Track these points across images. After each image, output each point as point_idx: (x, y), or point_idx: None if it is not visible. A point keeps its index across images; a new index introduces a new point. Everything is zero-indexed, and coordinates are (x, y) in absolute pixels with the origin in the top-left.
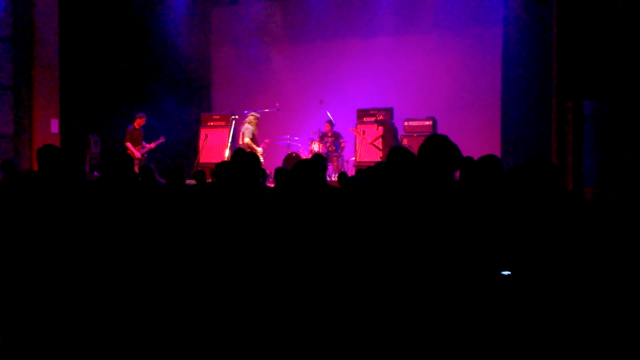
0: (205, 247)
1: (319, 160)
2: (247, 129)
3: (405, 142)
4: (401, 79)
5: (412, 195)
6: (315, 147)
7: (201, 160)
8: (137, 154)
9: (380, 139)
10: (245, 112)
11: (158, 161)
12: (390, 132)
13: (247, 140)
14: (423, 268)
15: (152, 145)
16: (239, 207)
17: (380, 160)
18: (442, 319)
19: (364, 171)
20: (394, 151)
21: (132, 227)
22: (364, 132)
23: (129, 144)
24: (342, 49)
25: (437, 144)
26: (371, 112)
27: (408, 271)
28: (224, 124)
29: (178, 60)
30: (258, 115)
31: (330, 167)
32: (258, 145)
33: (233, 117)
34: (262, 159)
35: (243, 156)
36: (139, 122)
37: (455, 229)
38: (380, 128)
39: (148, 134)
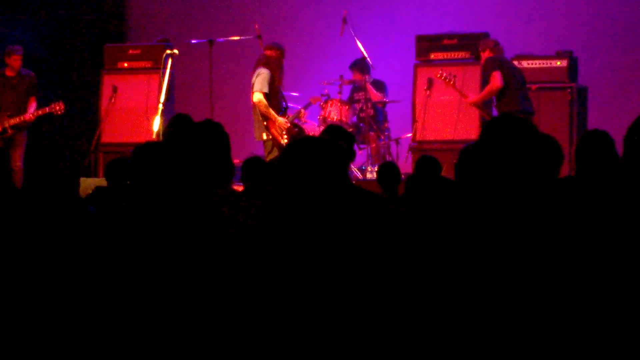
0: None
1: (337, 140)
2: (259, 75)
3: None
4: None
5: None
6: (334, 112)
7: (104, 140)
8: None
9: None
10: (220, 39)
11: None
12: (510, 78)
13: (256, 97)
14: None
15: (41, 111)
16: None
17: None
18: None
19: (432, 162)
20: (525, 126)
21: None
22: (453, 77)
23: None
24: None
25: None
26: (446, 40)
27: None
28: (149, 64)
29: None
30: (281, 48)
31: (363, 153)
32: (280, 110)
33: (169, 51)
34: (284, 140)
35: (193, 131)
36: (12, 63)
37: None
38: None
39: None
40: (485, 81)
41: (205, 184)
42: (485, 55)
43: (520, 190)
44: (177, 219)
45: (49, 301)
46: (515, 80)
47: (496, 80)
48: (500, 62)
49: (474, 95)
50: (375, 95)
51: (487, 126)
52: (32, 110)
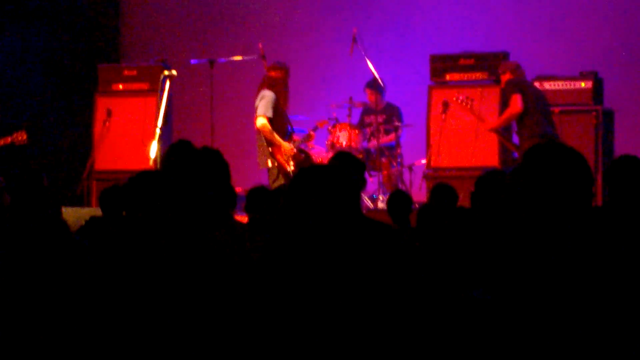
0: None
1: (348, 168)
2: (263, 97)
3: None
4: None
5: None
6: (343, 137)
7: (97, 166)
8: None
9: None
10: (221, 59)
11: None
12: (531, 102)
13: (260, 122)
14: None
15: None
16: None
17: (505, 161)
18: None
19: (448, 190)
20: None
21: None
22: (470, 101)
23: None
24: None
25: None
26: (463, 60)
27: None
28: (145, 86)
29: None
30: (285, 67)
31: (374, 181)
32: (286, 135)
33: (166, 72)
34: (290, 167)
35: (194, 159)
36: None
37: None
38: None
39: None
40: (505, 105)
41: (205, 214)
42: (506, 78)
43: (564, 221)
44: (177, 252)
45: (41, 339)
46: (536, 103)
47: (516, 104)
48: (520, 85)
49: (493, 120)
50: (386, 139)
51: (531, 153)
52: None
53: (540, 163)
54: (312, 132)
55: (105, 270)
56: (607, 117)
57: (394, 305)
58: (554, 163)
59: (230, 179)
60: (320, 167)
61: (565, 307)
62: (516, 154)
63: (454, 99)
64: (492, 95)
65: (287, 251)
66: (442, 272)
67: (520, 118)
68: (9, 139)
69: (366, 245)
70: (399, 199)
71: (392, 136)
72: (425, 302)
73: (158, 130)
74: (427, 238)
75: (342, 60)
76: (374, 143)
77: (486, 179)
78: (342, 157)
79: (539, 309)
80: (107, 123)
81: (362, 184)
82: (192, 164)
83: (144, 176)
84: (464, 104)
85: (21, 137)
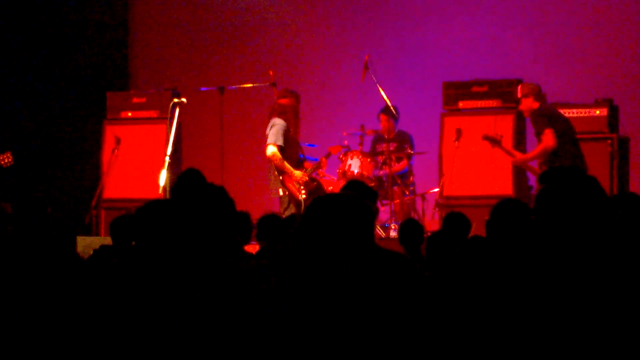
0: None
1: (361, 197)
2: (273, 126)
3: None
4: (537, 22)
5: None
6: (354, 165)
7: (106, 195)
8: None
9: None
10: (231, 87)
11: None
12: (563, 136)
13: (270, 151)
14: None
15: None
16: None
17: (519, 189)
18: None
19: (460, 219)
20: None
21: None
22: (500, 137)
23: None
24: None
25: None
26: (476, 87)
27: None
28: (155, 114)
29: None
30: (296, 94)
31: (386, 209)
32: (297, 162)
33: (176, 99)
34: (302, 195)
35: (202, 189)
36: None
37: None
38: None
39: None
40: (521, 131)
41: (215, 245)
42: (529, 102)
43: (584, 248)
44: (187, 283)
45: None
46: (566, 133)
47: (549, 139)
48: (551, 117)
49: (523, 155)
50: (397, 167)
51: (550, 175)
52: None
53: (557, 189)
54: (324, 159)
55: (115, 298)
56: (623, 145)
57: (406, 334)
58: (571, 189)
59: (234, 214)
60: (335, 195)
61: (586, 336)
62: (531, 182)
63: (483, 137)
64: (506, 122)
65: (300, 281)
66: (453, 301)
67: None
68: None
69: (380, 276)
70: (410, 228)
71: (403, 163)
72: (437, 332)
73: (167, 158)
74: (438, 267)
75: (354, 87)
76: (386, 171)
77: (502, 208)
78: (353, 186)
79: (561, 340)
80: (116, 151)
81: (374, 214)
82: (200, 197)
83: (154, 205)
84: (494, 141)
85: (7, 158)
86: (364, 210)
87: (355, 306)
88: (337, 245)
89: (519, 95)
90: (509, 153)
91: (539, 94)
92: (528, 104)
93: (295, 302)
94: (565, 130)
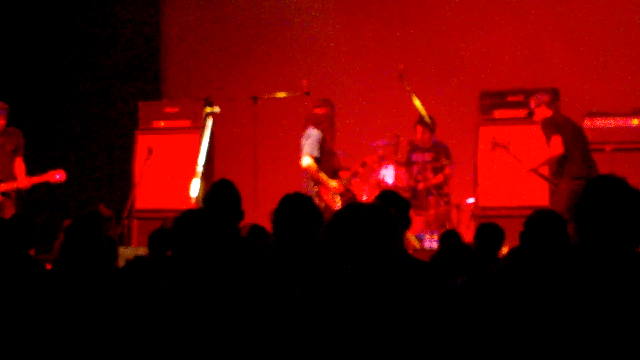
0: None
1: (390, 207)
2: (309, 137)
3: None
4: (574, 30)
5: None
6: (388, 175)
7: (138, 205)
8: None
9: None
10: (264, 96)
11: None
12: (572, 143)
13: (305, 162)
14: None
15: (37, 179)
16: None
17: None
18: None
19: (494, 230)
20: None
21: None
22: (508, 142)
23: None
24: None
25: None
26: (511, 97)
27: None
28: (187, 123)
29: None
30: (330, 104)
31: (421, 220)
32: (333, 172)
33: (209, 109)
34: (338, 206)
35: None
36: None
37: None
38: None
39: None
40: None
41: (248, 254)
42: (543, 111)
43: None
44: (224, 292)
45: None
46: (575, 142)
47: (557, 146)
48: (559, 124)
49: (531, 161)
50: (434, 180)
51: (589, 188)
52: (23, 176)
53: (600, 199)
54: (360, 169)
55: (162, 306)
56: None
57: (438, 348)
58: (613, 199)
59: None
60: (361, 204)
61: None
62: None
63: (491, 142)
64: (541, 131)
65: (326, 290)
66: (484, 312)
67: (560, 159)
68: (45, 177)
69: (407, 285)
70: (454, 238)
71: (440, 177)
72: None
73: (200, 169)
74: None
75: (388, 96)
76: (422, 185)
77: (536, 219)
78: (386, 196)
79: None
80: (148, 161)
81: (406, 223)
82: (231, 203)
83: (189, 215)
84: (506, 143)
85: (60, 175)
86: (388, 220)
87: (380, 316)
88: (359, 254)
89: (532, 106)
90: (517, 159)
91: (551, 102)
92: (542, 114)
93: (320, 311)
94: (573, 139)
